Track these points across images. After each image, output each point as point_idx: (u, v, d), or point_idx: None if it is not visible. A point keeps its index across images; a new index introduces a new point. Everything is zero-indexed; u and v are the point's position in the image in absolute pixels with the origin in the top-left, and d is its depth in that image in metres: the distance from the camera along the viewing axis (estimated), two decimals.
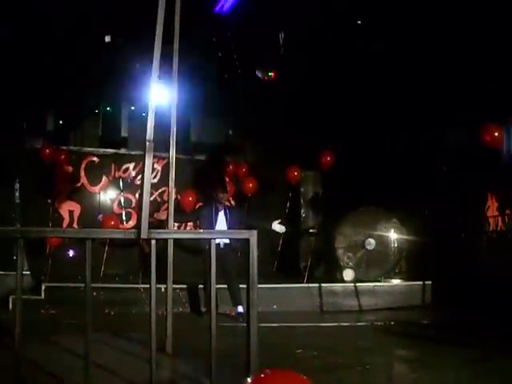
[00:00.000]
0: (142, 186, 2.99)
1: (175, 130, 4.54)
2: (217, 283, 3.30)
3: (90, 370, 2.79)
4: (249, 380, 2.64)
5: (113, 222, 11.11)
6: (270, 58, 10.95)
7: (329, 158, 11.50)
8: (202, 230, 8.54)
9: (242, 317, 9.00)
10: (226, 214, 9.57)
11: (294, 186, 12.40)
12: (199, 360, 3.39)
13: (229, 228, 9.29)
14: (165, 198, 12.14)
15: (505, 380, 5.35)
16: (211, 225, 9.37)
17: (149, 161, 3.01)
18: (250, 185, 11.97)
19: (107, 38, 10.05)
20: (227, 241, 8.85)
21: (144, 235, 2.96)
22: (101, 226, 11.13)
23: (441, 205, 11.32)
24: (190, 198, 11.40)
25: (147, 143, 3.02)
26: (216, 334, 3.21)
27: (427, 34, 9.55)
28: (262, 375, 2.69)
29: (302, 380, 2.57)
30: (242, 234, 3.41)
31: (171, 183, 4.42)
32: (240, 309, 9.23)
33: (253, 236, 3.25)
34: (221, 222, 9.47)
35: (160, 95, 3.41)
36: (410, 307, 10.69)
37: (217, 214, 9.53)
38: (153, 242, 2.99)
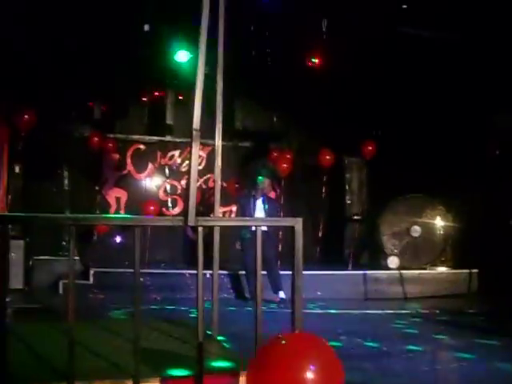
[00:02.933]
0: (189, 174, 3.04)
1: (221, 117, 4.57)
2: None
3: (140, 354, 2.86)
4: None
5: (152, 208, 11.22)
6: (315, 45, 10.91)
7: (370, 148, 11.47)
8: (247, 218, 8.60)
9: (284, 302, 9.06)
10: (263, 202, 9.66)
11: (337, 172, 12.37)
12: (245, 345, 3.44)
13: (267, 217, 9.36)
14: (210, 184, 12.23)
15: None
16: (249, 213, 9.46)
17: (195, 150, 3.05)
18: (285, 165, 11.91)
19: (146, 27, 10.14)
20: (265, 228, 8.79)
21: (191, 222, 3.00)
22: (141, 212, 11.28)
23: (487, 191, 11.15)
24: (236, 185, 11.53)
25: (194, 132, 3.05)
26: (261, 319, 3.25)
27: (474, 19, 9.39)
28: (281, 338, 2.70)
29: (320, 341, 2.59)
30: (288, 222, 3.43)
31: (217, 170, 4.46)
32: (282, 294, 9.30)
33: (298, 223, 3.27)
34: (259, 211, 9.56)
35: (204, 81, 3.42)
36: (456, 295, 10.60)
37: (255, 203, 9.62)
38: (200, 229, 3.04)
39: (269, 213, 9.59)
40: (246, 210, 9.63)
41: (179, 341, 4.05)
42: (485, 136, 11.17)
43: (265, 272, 9.15)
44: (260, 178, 9.81)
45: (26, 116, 10.26)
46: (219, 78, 4.77)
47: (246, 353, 3.57)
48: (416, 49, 10.32)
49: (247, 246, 9.35)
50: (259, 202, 9.68)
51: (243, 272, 9.83)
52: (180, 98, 12.61)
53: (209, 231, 4.58)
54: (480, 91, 10.57)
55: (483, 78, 10.39)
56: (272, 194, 12.28)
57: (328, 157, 11.74)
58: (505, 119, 10.84)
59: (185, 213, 3.01)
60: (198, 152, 3.09)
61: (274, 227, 9.13)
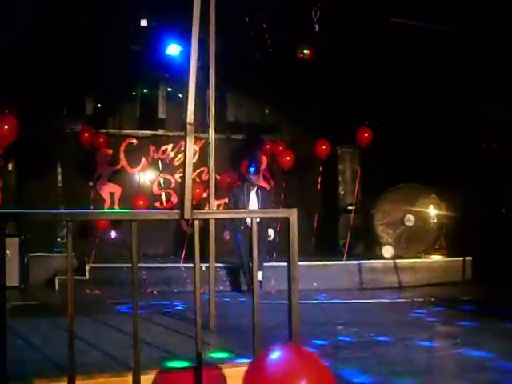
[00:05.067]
0: (184, 168, 3.05)
1: (214, 111, 4.58)
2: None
3: (139, 347, 2.89)
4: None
5: (142, 202, 11.12)
6: (306, 36, 10.90)
7: (366, 135, 11.42)
8: (242, 210, 8.62)
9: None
10: (257, 194, 9.68)
11: (330, 163, 12.40)
12: (242, 336, 3.47)
13: (260, 208, 9.41)
14: (203, 178, 12.24)
15: None
16: (243, 204, 9.49)
17: (190, 144, 3.07)
18: (288, 158, 11.94)
19: (143, 22, 10.12)
20: (258, 219, 8.70)
21: (187, 216, 3.02)
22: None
23: (481, 180, 11.20)
24: (228, 179, 11.57)
25: (188, 126, 3.07)
26: (258, 310, 3.27)
27: (467, 11, 9.40)
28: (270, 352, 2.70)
29: (310, 355, 2.60)
30: (282, 213, 3.45)
31: (211, 164, 4.48)
32: (260, 276, 9.22)
33: (293, 214, 3.29)
34: (252, 202, 9.58)
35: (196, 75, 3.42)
36: (451, 283, 10.66)
37: (248, 194, 9.65)
38: (196, 222, 3.06)
39: (262, 203, 9.62)
40: (239, 201, 9.64)
41: (177, 333, 4.08)
42: (478, 126, 11.20)
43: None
44: (252, 169, 9.83)
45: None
46: (212, 72, 4.79)
47: (243, 344, 3.60)
48: (411, 39, 10.32)
49: (241, 237, 9.39)
50: (253, 194, 9.70)
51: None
52: (168, 89, 12.62)
53: (203, 224, 4.60)
54: (474, 82, 10.60)
55: (478, 70, 10.41)
56: (266, 185, 12.33)
57: (324, 147, 11.72)
58: (497, 111, 10.89)
59: (180, 206, 3.03)
60: (192, 146, 3.10)
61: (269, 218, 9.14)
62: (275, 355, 2.57)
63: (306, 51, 11.41)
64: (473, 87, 10.72)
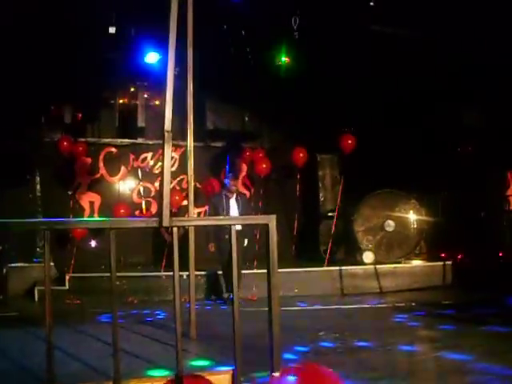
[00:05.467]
0: (162, 175, 3.04)
1: (192, 118, 4.57)
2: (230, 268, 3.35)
3: (119, 356, 2.86)
4: (276, 374, 2.70)
5: (123, 211, 11.08)
6: (285, 43, 10.96)
7: (350, 141, 11.42)
8: (222, 217, 8.58)
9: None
10: (237, 200, 9.65)
11: (310, 170, 12.42)
12: (223, 344, 3.46)
13: (240, 215, 9.39)
14: (183, 185, 12.20)
15: None
16: (223, 212, 9.45)
17: (168, 151, 3.06)
18: (264, 165, 11.94)
19: (111, 30, 10.10)
20: (239, 227, 8.41)
21: (166, 223, 3.01)
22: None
23: (460, 185, 11.28)
24: (211, 187, 11.60)
25: (166, 134, 3.06)
26: (239, 317, 3.26)
27: (441, 14, 9.48)
28: (290, 370, 2.72)
29: (328, 374, 2.62)
30: (261, 219, 3.45)
31: (190, 172, 4.47)
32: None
33: (272, 221, 3.28)
34: (232, 209, 9.55)
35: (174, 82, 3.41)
36: (431, 288, 10.70)
37: (228, 202, 9.60)
38: (174, 229, 3.04)
39: (242, 210, 9.60)
40: (218, 210, 9.59)
41: (158, 342, 4.06)
42: (456, 132, 11.30)
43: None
44: (229, 175, 9.83)
45: None
46: (189, 79, 4.78)
47: (224, 352, 3.59)
48: (390, 46, 10.38)
49: (225, 246, 9.33)
50: (232, 201, 9.67)
51: (220, 272, 9.79)
52: (147, 97, 12.59)
53: (184, 232, 4.59)
54: (452, 89, 10.69)
55: (457, 78, 10.51)
56: (246, 193, 12.31)
57: (301, 154, 11.76)
58: (473, 116, 10.99)
59: (159, 214, 3.02)
60: (170, 153, 3.10)
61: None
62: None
63: (284, 58, 11.46)
64: (451, 94, 10.80)
